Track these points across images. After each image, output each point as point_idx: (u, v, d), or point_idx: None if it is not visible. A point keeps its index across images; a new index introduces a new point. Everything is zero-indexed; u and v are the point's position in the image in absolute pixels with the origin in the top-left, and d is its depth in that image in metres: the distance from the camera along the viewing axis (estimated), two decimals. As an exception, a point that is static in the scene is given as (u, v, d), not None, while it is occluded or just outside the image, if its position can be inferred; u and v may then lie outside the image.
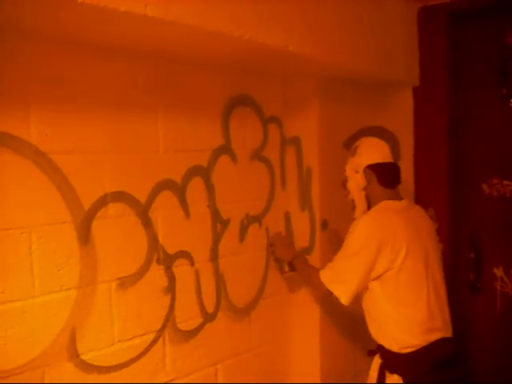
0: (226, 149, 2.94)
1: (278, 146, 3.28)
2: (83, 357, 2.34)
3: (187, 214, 2.74)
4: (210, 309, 2.89)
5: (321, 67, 2.96)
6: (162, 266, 2.62)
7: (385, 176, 2.78)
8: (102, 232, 2.38)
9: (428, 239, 2.77)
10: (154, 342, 2.62)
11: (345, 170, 2.87)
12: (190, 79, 2.74)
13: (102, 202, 2.38)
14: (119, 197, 2.44)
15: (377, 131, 2.93)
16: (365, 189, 2.81)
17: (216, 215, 2.89)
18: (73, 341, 2.30)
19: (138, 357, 2.56)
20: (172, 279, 2.67)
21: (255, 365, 3.18)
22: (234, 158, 2.99)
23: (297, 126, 3.28)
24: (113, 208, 2.42)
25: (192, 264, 2.77)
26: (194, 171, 2.76)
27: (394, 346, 2.65)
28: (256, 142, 3.13)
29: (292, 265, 3.09)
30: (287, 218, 3.35)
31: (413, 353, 2.61)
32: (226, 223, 2.95)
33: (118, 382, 2.47)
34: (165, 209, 2.62)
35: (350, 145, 2.96)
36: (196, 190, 2.78)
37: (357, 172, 2.79)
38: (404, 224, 2.68)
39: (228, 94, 2.95)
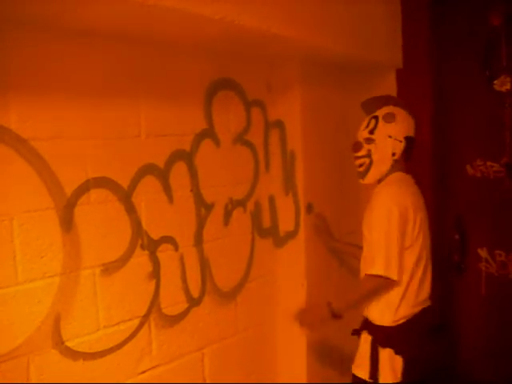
0: (208, 133, 2.92)
1: (261, 129, 3.27)
2: (68, 343, 2.34)
3: (170, 199, 2.73)
4: (195, 293, 2.89)
5: (303, 50, 2.95)
6: (146, 252, 2.62)
7: (411, 150, 2.85)
8: (85, 218, 2.36)
9: (425, 212, 2.84)
10: (140, 327, 2.61)
11: (370, 132, 2.80)
12: (171, 63, 2.71)
13: (85, 187, 2.36)
14: (101, 182, 2.42)
15: (401, 103, 2.93)
16: (397, 158, 2.79)
17: (200, 200, 2.88)
18: (57, 328, 2.29)
19: (124, 342, 2.56)
20: (156, 264, 2.66)
21: (242, 349, 3.20)
22: (217, 142, 2.97)
23: (280, 109, 3.27)
24: (95, 194, 2.40)
25: (176, 249, 2.76)
26: (176, 156, 2.74)
27: (387, 319, 2.71)
28: (239, 126, 3.12)
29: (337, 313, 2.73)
30: (271, 201, 3.34)
31: (405, 323, 2.69)
32: (209, 207, 2.94)
33: (104, 369, 2.47)
34: (148, 194, 2.61)
35: (371, 107, 2.90)
36: (179, 174, 2.76)
37: (397, 140, 2.77)
38: (418, 198, 2.79)
39: (210, 78, 2.93)
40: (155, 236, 2.66)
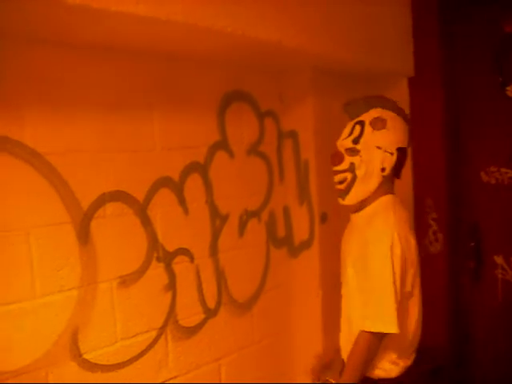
0: (222, 144, 2.94)
1: (274, 140, 3.28)
2: (86, 356, 2.36)
3: (186, 211, 2.74)
4: (211, 304, 2.90)
5: (315, 60, 2.97)
6: (162, 264, 2.63)
7: (402, 164, 2.42)
8: (101, 231, 2.39)
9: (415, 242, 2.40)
10: (157, 339, 2.63)
11: (355, 141, 2.36)
12: (184, 76, 2.74)
13: (101, 201, 2.39)
14: (117, 196, 2.45)
15: (394, 106, 2.45)
16: (387, 174, 2.34)
17: (214, 211, 2.89)
18: (75, 340, 2.31)
19: (141, 354, 2.57)
20: (172, 276, 2.67)
21: (258, 359, 3.20)
22: (230, 153, 2.99)
23: (293, 119, 3.28)
24: (111, 207, 2.43)
25: (192, 260, 2.77)
26: (191, 168, 2.76)
27: (389, 371, 2.37)
28: (252, 137, 3.13)
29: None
30: (286, 211, 3.34)
31: (407, 372, 2.39)
32: (224, 219, 2.95)
33: (122, 381, 2.48)
34: (163, 206, 2.63)
35: (356, 110, 2.45)
36: (194, 186, 2.78)
37: (387, 152, 2.31)
38: (409, 228, 2.37)
39: (223, 90, 2.95)
40: (171, 248, 2.67)
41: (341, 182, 2.38)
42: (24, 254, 2.15)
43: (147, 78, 2.58)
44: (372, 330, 2.20)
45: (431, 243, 3.52)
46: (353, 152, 2.34)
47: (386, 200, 2.36)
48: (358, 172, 2.33)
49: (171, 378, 2.72)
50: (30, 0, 1.66)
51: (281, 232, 3.33)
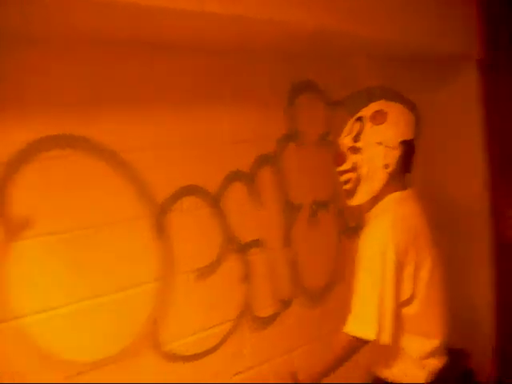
0: (292, 136, 2.95)
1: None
2: (167, 347, 2.41)
3: (258, 203, 2.77)
4: (285, 295, 2.92)
5: (382, 47, 2.93)
6: (236, 256, 2.67)
7: (411, 157, 2.26)
8: (177, 225, 2.43)
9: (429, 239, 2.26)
10: (233, 330, 2.67)
11: (355, 139, 2.22)
12: (252, 69, 2.76)
13: (176, 196, 2.44)
14: (191, 190, 2.49)
15: (391, 95, 2.38)
16: (392, 171, 2.19)
17: (286, 202, 2.91)
18: (156, 332, 2.37)
19: (218, 345, 2.62)
20: (247, 268, 2.70)
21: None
22: (300, 144, 2.99)
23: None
24: (186, 201, 2.47)
25: (265, 252, 2.80)
26: (262, 160, 2.78)
27: (415, 376, 2.22)
28: (322, 127, 3.12)
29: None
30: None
31: (435, 377, 2.23)
32: (296, 209, 2.97)
33: (199, 372, 2.54)
34: (236, 199, 2.66)
35: (355, 105, 2.37)
36: (265, 178, 2.80)
37: (389, 147, 2.17)
38: (421, 227, 2.22)
39: (292, 81, 2.95)
40: (245, 240, 2.71)
41: (346, 183, 2.26)
42: (103, 250, 2.22)
43: (217, 72, 2.61)
44: (349, 333, 2.12)
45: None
46: (354, 150, 2.21)
47: (390, 199, 2.21)
48: (361, 171, 2.20)
49: (247, 369, 2.75)
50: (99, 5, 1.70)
51: (352, 221, 3.32)
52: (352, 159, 2.21)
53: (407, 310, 2.15)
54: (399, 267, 2.08)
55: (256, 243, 2.75)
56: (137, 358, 2.32)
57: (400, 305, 2.13)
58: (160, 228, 2.38)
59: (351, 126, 2.26)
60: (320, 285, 3.13)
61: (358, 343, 2.12)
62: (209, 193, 2.56)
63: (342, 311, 3.18)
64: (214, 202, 2.58)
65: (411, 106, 2.31)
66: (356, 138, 2.20)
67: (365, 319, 2.08)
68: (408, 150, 2.21)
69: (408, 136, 2.21)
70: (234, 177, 2.66)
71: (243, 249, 2.70)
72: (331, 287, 3.19)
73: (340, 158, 2.26)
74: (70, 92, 2.13)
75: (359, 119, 2.25)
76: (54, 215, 2.08)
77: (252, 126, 2.76)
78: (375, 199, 2.23)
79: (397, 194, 2.21)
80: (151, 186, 2.35)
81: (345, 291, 3.18)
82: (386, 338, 2.07)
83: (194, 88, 2.54)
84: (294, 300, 2.97)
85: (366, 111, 2.25)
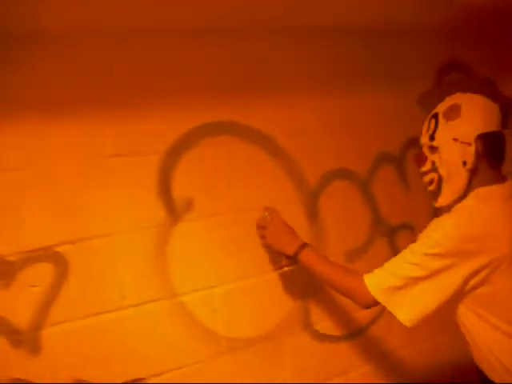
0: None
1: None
2: (316, 326, 2.48)
3: (407, 186, 2.75)
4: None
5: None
6: (385, 238, 2.67)
7: (496, 151, 2.04)
8: (328, 208, 2.48)
9: None
10: (382, 311, 2.66)
11: (431, 138, 2.05)
12: (402, 50, 2.72)
13: (326, 179, 2.48)
14: (341, 173, 2.53)
15: (475, 85, 2.18)
16: (472, 168, 1.99)
17: (434, 185, 2.86)
18: (307, 311, 2.44)
19: (368, 325, 2.66)
20: (396, 251, 2.68)
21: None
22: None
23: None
24: (336, 185, 2.51)
25: (414, 235, 2.76)
26: (410, 142, 2.74)
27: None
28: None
29: (292, 257, 2.20)
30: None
31: None
32: (445, 192, 2.90)
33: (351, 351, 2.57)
34: (385, 182, 2.66)
35: (429, 101, 2.20)
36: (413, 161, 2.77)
37: (464, 143, 1.97)
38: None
39: (440, 61, 2.89)
40: (394, 223, 2.71)
41: (430, 184, 2.10)
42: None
43: (363, 53, 2.61)
44: (383, 302, 1.95)
45: None
46: (432, 150, 2.05)
47: (471, 196, 1.99)
48: (440, 171, 2.03)
49: (396, 349, 2.77)
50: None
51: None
52: (431, 159, 2.06)
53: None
54: (462, 270, 1.88)
55: (405, 226, 2.74)
56: (288, 337, 2.40)
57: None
58: (312, 211, 2.43)
59: (428, 124, 2.11)
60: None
61: (370, 304, 2.00)
62: (358, 176, 2.58)
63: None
64: (364, 184, 2.60)
65: (494, 94, 2.08)
66: (432, 137, 2.05)
67: (415, 308, 1.92)
68: (492, 142, 2.00)
69: (488, 128, 1.99)
70: (383, 159, 2.66)
71: (392, 232, 2.70)
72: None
73: (420, 159, 2.12)
74: (226, 79, 2.23)
75: (434, 116, 2.08)
76: (213, 198, 2.20)
77: (402, 107, 2.72)
78: (459, 199, 2.04)
79: (481, 190, 1.99)
80: (303, 169, 2.40)
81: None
82: (409, 320, 1.92)
83: (344, 72, 2.55)
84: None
85: (441, 107, 2.07)
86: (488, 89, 2.10)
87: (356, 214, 2.59)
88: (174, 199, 2.11)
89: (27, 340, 1.86)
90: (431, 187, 2.09)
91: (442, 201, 2.07)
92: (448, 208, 2.04)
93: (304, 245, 2.15)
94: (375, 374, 2.69)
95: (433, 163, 2.05)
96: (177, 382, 2.13)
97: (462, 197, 2.01)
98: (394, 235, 2.70)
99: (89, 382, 1.96)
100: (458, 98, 2.05)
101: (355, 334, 2.61)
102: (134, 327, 2.05)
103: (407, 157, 2.75)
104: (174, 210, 2.11)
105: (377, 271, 2.00)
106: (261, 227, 2.28)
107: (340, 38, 2.51)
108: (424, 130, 2.11)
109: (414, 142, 2.71)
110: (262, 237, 2.28)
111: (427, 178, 2.09)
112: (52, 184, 1.89)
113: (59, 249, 1.90)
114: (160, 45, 2.06)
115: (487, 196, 1.97)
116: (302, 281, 2.40)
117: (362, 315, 2.60)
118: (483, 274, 1.88)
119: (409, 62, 2.77)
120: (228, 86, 2.24)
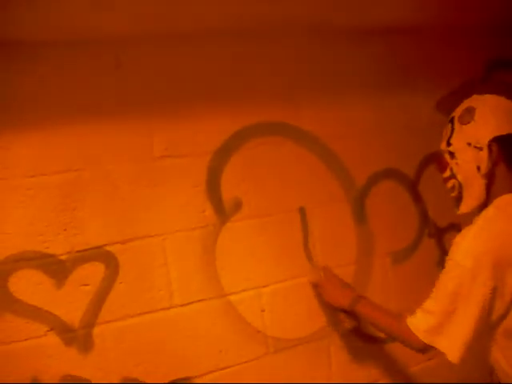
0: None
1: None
2: (362, 328, 2.45)
3: (455, 186, 2.71)
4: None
5: None
6: (433, 240, 2.64)
7: None
8: (375, 209, 2.47)
9: None
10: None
11: (447, 144, 1.99)
12: (444, 47, 2.68)
13: (374, 179, 2.46)
14: (389, 173, 2.51)
15: (495, 87, 2.03)
16: (488, 173, 1.91)
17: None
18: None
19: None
20: (443, 252, 2.66)
21: None
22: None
23: None
24: (384, 185, 2.49)
25: (462, 236, 2.74)
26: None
27: None
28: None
29: (351, 313, 2.21)
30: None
31: None
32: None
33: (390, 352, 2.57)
34: (433, 182, 2.61)
35: (448, 105, 2.13)
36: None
37: (477, 147, 1.91)
38: None
39: (486, 58, 2.83)
40: (441, 224, 2.67)
41: (452, 190, 2.03)
42: (303, 231, 2.31)
43: (412, 53, 2.59)
44: (426, 341, 1.86)
45: None
46: (450, 155, 1.98)
47: (494, 204, 1.90)
48: (459, 178, 1.97)
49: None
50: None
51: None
52: (451, 165, 1.99)
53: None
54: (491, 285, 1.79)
55: (453, 227, 2.70)
56: (334, 338, 2.39)
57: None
58: (359, 211, 2.42)
59: (445, 129, 2.05)
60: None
61: (422, 346, 1.90)
62: (406, 176, 2.56)
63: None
64: (412, 185, 2.57)
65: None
66: (448, 142, 1.99)
67: (454, 336, 1.82)
68: (510, 145, 1.91)
69: (504, 130, 1.90)
70: (431, 159, 2.62)
71: (440, 233, 2.66)
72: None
73: (441, 165, 2.05)
74: (272, 80, 2.23)
75: (451, 121, 2.02)
76: (261, 199, 2.22)
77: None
78: (481, 208, 1.96)
79: (502, 199, 1.91)
80: (350, 170, 2.39)
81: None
82: (455, 356, 1.82)
83: (385, 73, 2.53)
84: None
85: (458, 111, 2.02)
86: (507, 88, 2.01)
87: (404, 214, 2.56)
88: (223, 200, 2.12)
89: (79, 338, 1.90)
90: (453, 194, 2.02)
91: (463, 208, 1.99)
92: (472, 215, 1.97)
93: (358, 297, 2.15)
94: (421, 374, 2.67)
95: (451, 169, 1.99)
96: (223, 382, 2.14)
97: (483, 204, 1.94)
98: (442, 236, 2.67)
99: (138, 380, 2.00)
100: (473, 101, 1.99)
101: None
102: (183, 326, 2.07)
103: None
104: (222, 211, 2.13)
105: (418, 312, 1.93)
106: (316, 286, 2.31)
107: (392, 37, 2.50)
108: (443, 136, 2.05)
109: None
110: (319, 295, 2.32)
111: (449, 185, 2.02)
112: (103, 185, 1.94)
113: (110, 248, 1.95)
114: (209, 45, 2.09)
115: (509, 203, 1.89)
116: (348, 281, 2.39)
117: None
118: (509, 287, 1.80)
119: (452, 62, 2.72)
120: (278, 86, 2.25)
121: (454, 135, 1.96)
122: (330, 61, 2.36)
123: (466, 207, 1.98)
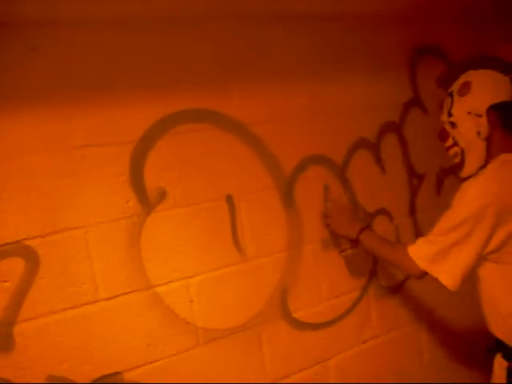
0: (415, 102, 2.87)
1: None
2: (295, 315, 2.46)
3: (383, 171, 2.73)
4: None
5: None
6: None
7: (510, 119, 2.17)
8: (304, 195, 2.45)
9: None
10: (360, 298, 2.67)
11: (449, 115, 2.24)
12: (372, 34, 2.69)
13: (302, 166, 2.45)
14: (317, 160, 2.50)
15: (486, 62, 2.27)
16: (488, 137, 2.16)
17: (411, 170, 2.85)
18: (285, 300, 2.42)
19: (346, 313, 2.63)
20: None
21: (457, 321, 3.13)
22: (424, 110, 2.91)
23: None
24: (312, 171, 2.48)
25: (391, 220, 2.77)
26: (386, 127, 2.74)
27: None
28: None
29: (355, 240, 2.44)
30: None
31: None
32: (421, 177, 2.90)
33: (329, 338, 2.57)
34: (361, 168, 2.64)
35: (447, 81, 2.36)
36: (390, 146, 2.76)
37: (477, 115, 2.15)
38: None
39: (413, 46, 2.86)
40: (371, 208, 2.69)
41: (454, 157, 2.28)
42: (234, 219, 2.28)
43: (342, 41, 2.59)
44: (425, 268, 2.11)
45: None
46: (452, 125, 2.25)
47: (493, 165, 2.12)
48: (461, 144, 2.23)
49: (373, 337, 2.76)
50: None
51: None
52: (452, 134, 2.25)
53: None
54: (489, 227, 2.01)
55: (382, 211, 2.73)
56: (266, 325, 2.38)
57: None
58: (288, 198, 2.40)
59: (445, 103, 2.30)
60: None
61: (419, 273, 2.15)
62: (334, 162, 2.55)
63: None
64: (340, 171, 2.57)
65: (504, 68, 2.23)
66: (449, 113, 2.24)
67: (451, 266, 2.07)
68: (505, 111, 2.15)
69: (499, 98, 2.15)
70: (359, 145, 2.63)
71: (369, 217, 2.68)
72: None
73: (443, 135, 2.31)
74: (199, 67, 2.19)
75: (450, 94, 2.27)
76: (186, 188, 2.17)
77: (376, 93, 2.70)
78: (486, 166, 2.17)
79: (501, 156, 2.13)
80: (278, 157, 2.37)
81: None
82: (453, 284, 2.08)
83: (319, 60, 2.52)
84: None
85: (456, 85, 2.26)
86: (498, 63, 2.26)
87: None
88: (147, 189, 2.07)
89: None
90: (456, 160, 2.27)
91: (467, 171, 2.22)
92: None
93: (364, 228, 2.37)
94: (355, 360, 2.68)
95: (453, 138, 2.25)
96: (153, 375, 2.10)
97: (484, 165, 2.16)
98: (371, 221, 2.69)
99: (64, 378, 1.93)
100: (469, 76, 2.22)
101: (334, 321, 2.59)
102: (109, 320, 2.02)
103: (383, 141, 2.73)
104: (147, 200, 2.07)
105: (419, 241, 2.17)
106: (325, 216, 2.51)
107: (322, 25, 2.49)
108: (443, 109, 2.29)
109: (388, 126, 2.73)
110: (327, 225, 2.52)
111: (452, 152, 2.28)
112: (20, 177, 1.85)
113: (30, 243, 1.86)
114: (135, 32, 2.03)
115: (507, 160, 2.09)
116: (278, 270, 2.39)
117: (341, 302, 2.60)
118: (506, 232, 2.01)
119: (384, 48, 2.74)
120: (203, 72, 2.20)
121: (454, 106, 2.22)
122: (263, 47, 2.33)
123: (469, 170, 2.21)
